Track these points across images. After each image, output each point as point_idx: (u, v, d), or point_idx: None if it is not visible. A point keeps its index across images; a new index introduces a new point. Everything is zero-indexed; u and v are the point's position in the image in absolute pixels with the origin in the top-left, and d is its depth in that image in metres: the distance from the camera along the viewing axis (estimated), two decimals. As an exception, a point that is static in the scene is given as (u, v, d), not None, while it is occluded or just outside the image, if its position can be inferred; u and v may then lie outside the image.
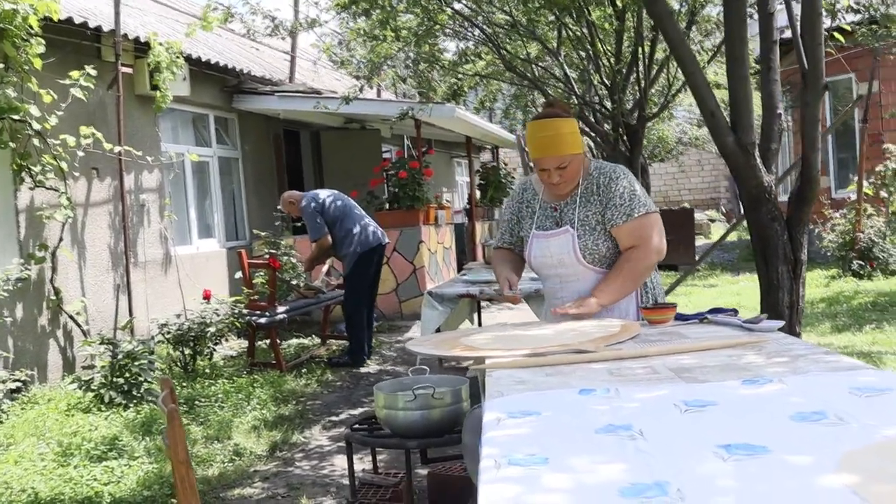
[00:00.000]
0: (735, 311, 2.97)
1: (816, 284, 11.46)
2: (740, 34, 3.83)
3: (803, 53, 3.71)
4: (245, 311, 6.99)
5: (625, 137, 7.40)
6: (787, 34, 4.28)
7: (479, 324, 7.27)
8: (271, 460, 4.95)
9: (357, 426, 3.70)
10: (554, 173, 2.99)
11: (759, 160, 3.96)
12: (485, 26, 7.45)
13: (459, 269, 11.96)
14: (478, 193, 14.02)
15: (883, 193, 12.12)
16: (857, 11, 6.08)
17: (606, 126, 7.75)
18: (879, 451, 1.34)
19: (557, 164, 2.97)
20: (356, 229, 7.30)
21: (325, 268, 8.06)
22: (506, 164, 15.57)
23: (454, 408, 3.41)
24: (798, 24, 3.84)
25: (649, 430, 1.52)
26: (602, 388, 1.89)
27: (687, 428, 1.54)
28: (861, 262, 11.09)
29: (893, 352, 6.65)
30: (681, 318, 2.96)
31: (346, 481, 4.48)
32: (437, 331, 5.51)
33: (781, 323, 2.68)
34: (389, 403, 3.41)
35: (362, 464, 4.53)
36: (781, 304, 4.00)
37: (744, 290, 11.10)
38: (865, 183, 11.61)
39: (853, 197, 11.56)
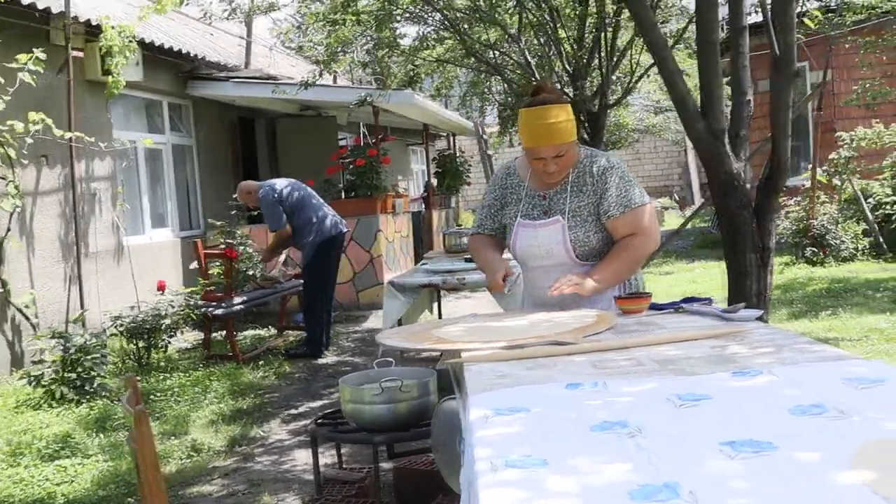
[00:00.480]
0: (710, 300, 2.93)
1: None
2: (711, 19, 3.78)
3: (774, 39, 3.67)
4: (201, 302, 6.83)
5: (586, 124, 7.35)
6: (755, 18, 4.25)
7: (440, 314, 7.19)
8: (230, 456, 4.82)
9: (322, 421, 3.60)
10: (550, 162, 2.88)
11: (728, 147, 3.92)
12: (446, 11, 7.34)
13: (416, 257, 11.87)
14: (434, 181, 13.92)
15: (836, 181, 12.28)
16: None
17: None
18: (890, 446, 1.28)
19: (555, 153, 2.86)
20: (315, 218, 7.17)
21: (281, 258, 7.91)
22: (462, 152, 15.49)
23: (422, 401, 3.33)
24: (769, 8, 3.80)
25: (647, 426, 1.45)
26: (589, 382, 1.81)
27: (685, 424, 1.47)
28: (814, 249, 11.22)
29: (850, 338, 6.71)
30: (655, 307, 2.91)
31: (308, 476, 4.37)
32: (399, 321, 5.42)
33: (760, 312, 2.64)
34: (355, 397, 3.32)
35: (326, 458, 4.42)
36: (749, 292, 3.97)
37: (699, 278, 11.18)
38: (819, 171, 11.75)
39: (807, 185, 11.70)
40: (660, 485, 1.16)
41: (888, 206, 12.01)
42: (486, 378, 1.96)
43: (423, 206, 13.34)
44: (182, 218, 9.60)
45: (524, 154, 3.10)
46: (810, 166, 11.57)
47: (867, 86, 10.57)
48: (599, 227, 2.98)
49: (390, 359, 3.70)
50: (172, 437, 5.05)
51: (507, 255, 3.24)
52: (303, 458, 4.74)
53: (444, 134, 16.84)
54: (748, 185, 4.05)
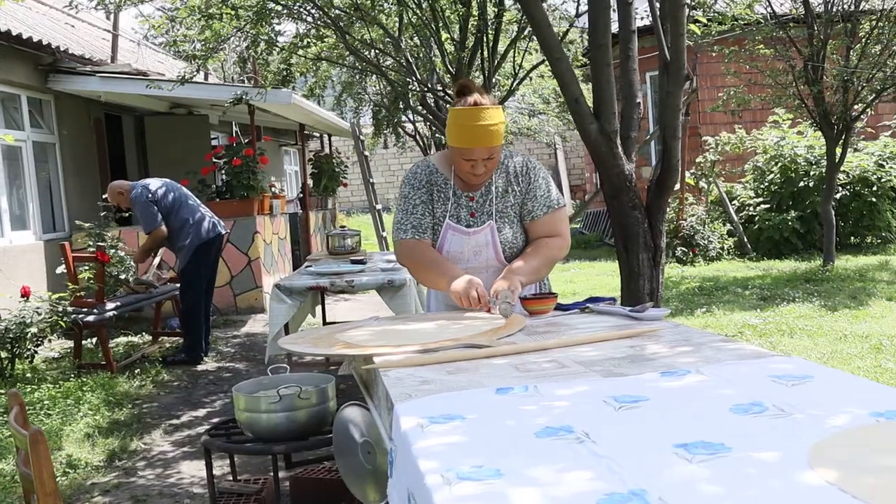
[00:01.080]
0: (613, 300, 2.95)
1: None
2: (604, 22, 3.83)
3: (665, 43, 3.74)
4: (70, 308, 6.45)
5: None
6: (646, 22, 4.32)
7: (324, 317, 7.05)
8: (110, 471, 4.56)
9: (214, 431, 3.43)
10: (480, 164, 2.83)
11: (620, 148, 3.98)
12: (326, 8, 7.20)
13: (294, 260, 11.65)
14: (310, 182, 13.69)
15: (702, 184, 12.80)
16: (692, 8, 6.30)
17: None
18: (840, 442, 1.29)
19: (487, 156, 2.82)
20: (192, 220, 6.91)
21: (155, 261, 7.58)
22: (339, 153, 15.31)
23: (320, 408, 3.23)
24: (659, 13, 3.87)
25: (593, 430, 1.41)
26: (519, 386, 1.77)
27: (631, 427, 1.45)
28: (684, 249, 11.66)
29: (727, 335, 6.98)
30: (561, 308, 2.91)
31: (197, 489, 4.19)
32: (286, 326, 5.27)
33: (667, 311, 2.67)
34: (251, 406, 3.18)
35: (216, 470, 4.23)
36: (642, 292, 4.05)
37: (575, 277, 11.42)
38: (687, 174, 12.21)
39: (676, 187, 12.12)
40: (626, 493, 1.13)
41: (751, 209, 12.62)
42: (408, 384, 1.89)
43: (300, 207, 13.09)
44: (45, 220, 9.06)
45: (441, 154, 3.07)
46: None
47: (731, 93, 11.05)
48: (522, 227, 3.00)
49: (284, 365, 3.58)
50: (44, 454, 4.73)
51: None
52: (189, 470, 4.53)
53: (318, 135, 16.60)
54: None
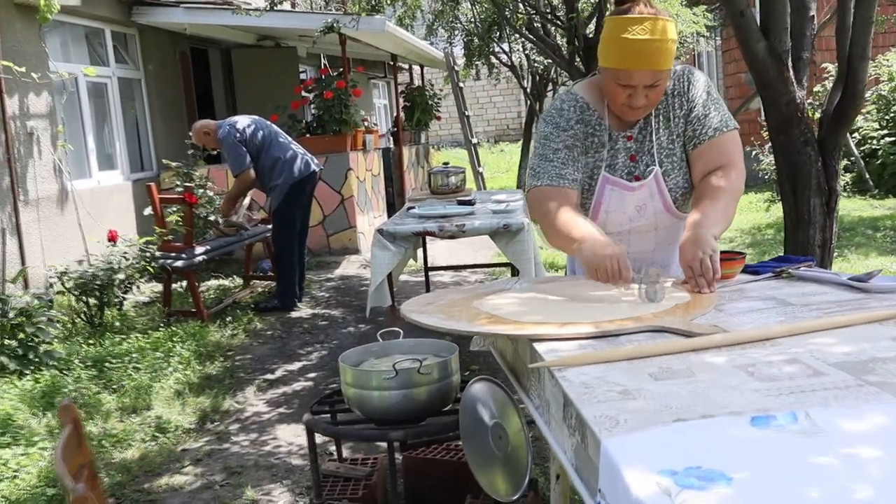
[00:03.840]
0: (812, 260, 2.33)
1: (756, 209, 11.12)
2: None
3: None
4: (158, 253, 6.09)
5: (581, 53, 6.64)
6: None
7: (426, 262, 6.55)
8: (202, 435, 4.18)
9: (317, 407, 2.96)
10: (640, 93, 2.19)
11: (791, 71, 3.30)
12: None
13: (387, 197, 11.18)
14: (402, 116, 13.14)
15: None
16: None
17: (560, 39, 6.97)
18: None
19: (651, 81, 2.17)
20: (284, 158, 6.45)
21: (245, 201, 7.16)
22: (432, 85, 14.68)
23: (443, 384, 2.72)
24: None
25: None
26: (784, 415, 1.19)
27: None
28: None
29: None
30: (749, 270, 2.30)
31: (295, 461, 3.78)
32: (390, 275, 4.77)
33: (904, 280, 2.04)
34: (361, 381, 2.69)
35: (319, 439, 3.79)
36: (813, 243, 3.40)
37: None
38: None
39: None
40: None
41: (874, 142, 11.57)
42: (603, 396, 1.34)
43: (392, 142, 12.57)
44: (133, 159, 8.75)
45: (588, 83, 2.42)
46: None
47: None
48: (688, 162, 2.35)
49: (397, 329, 3.07)
50: (133, 414, 4.39)
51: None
52: (286, 436, 4.12)
53: (406, 67, 15.98)
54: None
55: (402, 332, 2.99)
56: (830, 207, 3.40)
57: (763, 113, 3.40)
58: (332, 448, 3.56)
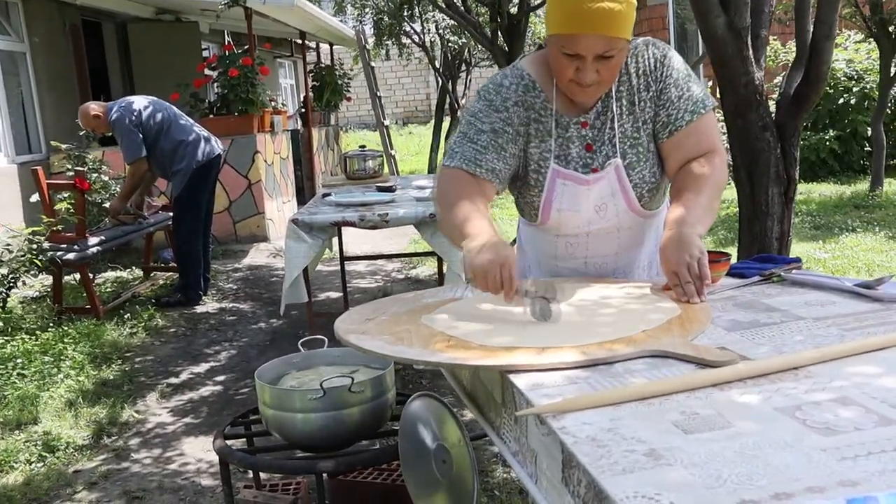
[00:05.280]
0: (799, 261, 2.07)
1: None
2: None
3: None
4: (47, 244, 5.53)
5: (504, 31, 6.32)
6: None
7: (341, 252, 6.14)
8: (97, 452, 3.72)
9: (231, 429, 2.57)
10: (590, 66, 1.82)
11: (750, 50, 3.04)
12: None
13: (296, 181, 10.70)
14: (311, 97, 12.62)
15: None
16: None
17: (481, 15, 6.63)
18: None
19: (603, 51, 1.80)
20: (187, 141, 5.95)
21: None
22: (342, 65, 14.18)
23: (377, 403, 2.38)
24: None
25: None
26: (888, 496, 0.89)
27: None
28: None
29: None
30: (735, 272, 2.02)
31: (205, 480, 3.39)
32: (305, 269, 4.38)
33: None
34: (281, 402, 2.32)
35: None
36: (770, 235, 3.18)
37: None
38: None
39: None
40: None
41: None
42: (624, 460, 1.02)
43: (301, 124, 12.05)
44: (18, 141, 8.05)
45: (536, 56, 2.04)
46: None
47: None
48: (655, 153, 2.02)
49: (321, 336, 2.71)
50: (17, 430, 3.89)
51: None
52: (193, 451, 3.70)
53: (314, 46, 15.43)
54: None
55: (326, 339, 2.62)
56: (789, 197, 3.17)
57: (718, 94, 3.14)
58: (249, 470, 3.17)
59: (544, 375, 1.36)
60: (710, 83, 9.78)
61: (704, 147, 1.96)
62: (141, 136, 5.77)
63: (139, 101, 5.96)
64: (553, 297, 1.64)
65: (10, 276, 5.40)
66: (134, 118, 5.78)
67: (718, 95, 3.16)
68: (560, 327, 1.60)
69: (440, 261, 4.55)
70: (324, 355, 2.62)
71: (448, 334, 1.60)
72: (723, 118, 3.22)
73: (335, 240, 5.97)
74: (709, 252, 1.90)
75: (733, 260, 2.00)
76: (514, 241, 2.35)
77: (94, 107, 5.96)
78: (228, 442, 2.43)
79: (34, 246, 5.48)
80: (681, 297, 1.74)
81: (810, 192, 10.16)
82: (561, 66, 1.86)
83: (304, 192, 11.01)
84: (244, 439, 2.56)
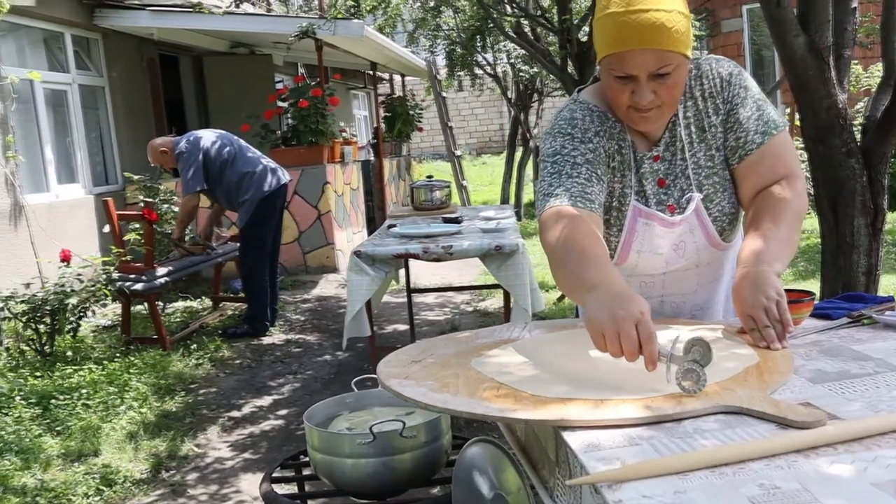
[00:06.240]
0: (892, 300, 1.87)
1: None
2: None
3: None
4: (116, 275, 5.57)
5: (574, 58, 6.19)
6: None
7: (408, 283, 6.04)
8: (154, 487, 3.67)
9: (278, 475, 2.46)
10: (646, 86, 1.65)
11: (833, 71, 2.84)
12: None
13: (367, 211, 10.69)
14: (383, 127, 12.66)
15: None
16: None
17: (551, 44, 6.52)
18: None
19: (656, 67, 1.63)
20: (251, 172, 5.94)
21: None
22: (413, 95, 14.21)
23: (431, 448, 2.25)
24: None
25: None
26: None
27: None
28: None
29: None
30: (819, 313, 1.83)
31: (259, 521, 3.25)
32: (369, 302, 4.28)
33: None
34: (330, 447, 2.21)
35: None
36: (856, 269, 2.95)
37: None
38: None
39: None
40: None
41: None
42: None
43: (372, 154, 12.07)
44: (96, 172, 8.22)
45: (595, 88, 1.87)
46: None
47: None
48: (732, 179, 1.85)
49: (373, 375, 2.59)
50: (78, 462, 3.86)
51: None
52: (250, 488, 3.62)
53: (387, 77, 15.51)
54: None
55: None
56: (877, 228, 2.95)
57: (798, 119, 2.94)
58: None
59: (602, 433, 1.21)
60: (789, 110, 9.46)
61: (780, 172, 1.78)
62: (202, 170, 5.78)
63: (206, 136, 5.99)
64: (708, 361, 1.39)
65: (81, 306, 5.43)
66: (198, 152, 5.80)
67: (798, 121, 2.97)
68: (623, 375, 1.44)
69: (507, 294, 4.40)
70: (378, 395, 2.50)
71: (498, 381, 1.46)
72: (803, 145, 3.02)
73: (402, 271, 5.88)
74: (790, 290, 1.73)
75: (816, 296, 1.82)
76: None
77: (161, 142, 6.02)
78: (277, 485, 2.32)
79: (104, 276, 5.51)
80: (758, 342, 1.56)
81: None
82: (615, 92, 1.71)
83: (375, 222, 11.00)
84: (295, 482, 2.45)
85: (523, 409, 1.30)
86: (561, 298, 6.56)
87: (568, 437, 1.22)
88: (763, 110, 1.80)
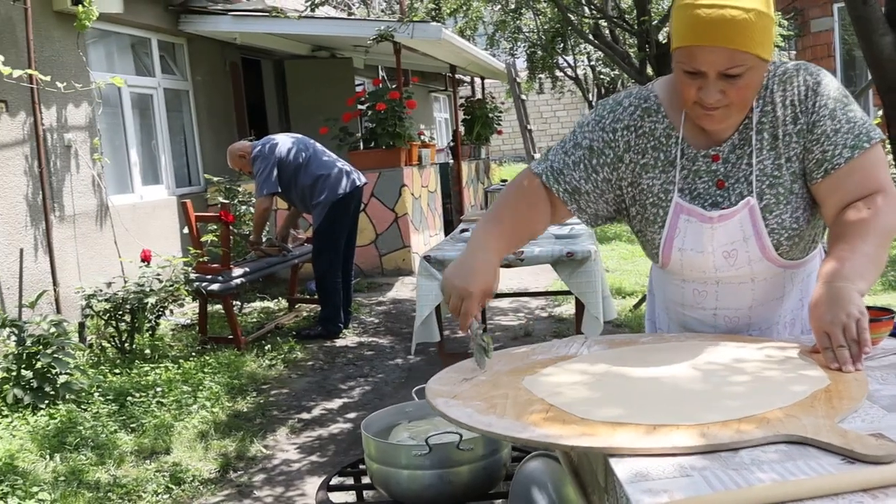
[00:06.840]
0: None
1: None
2: None
3: None
4: (193, 275, 5.67)
5: (653, 60, 6.05)
6: None
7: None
8: (222, 487, 3.70)
9: (337, 479, 2.44)
10: (713, 85, 1.59)
11: (923, 72, 2.69)
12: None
13: (445, 214, 10.69)
14: (462, 130, 12.65)
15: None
16: None
17: (630, 45, 6.39)
18: None
19: (725, 67, 1.56)
20: (326, 175, 5.98)
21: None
22: (493, 98, 14.18)
23: (489, 462, 2.19)
24: None
25: None
26: None
27: None
28: None
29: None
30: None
31: (322, 526, 3.24)
32: (438, 307, 4.25)
33: None
34: (387, 457, 2.17)
35: (344, 497, 3.28)
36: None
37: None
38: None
39: None
40: None
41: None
42: None
43: (450, 157, 12.08)
44: (179, 173, 8.41)
45: (668, 77, 1.81)
46: None
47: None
48: (806, 197, 1.75)
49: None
50: (150, 459, 3.93)
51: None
52: (314, 490, 3.60)
53: (468, 80, 15.51)
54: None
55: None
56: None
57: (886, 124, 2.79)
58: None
59: (652, 461, 1.14)
60: (881, 112, 9.08)
61: (870, 187, 1.66)
62: (276, 173, 5.84)
63: (282, 140, 6.05)
64: (484, 347, 1.69)
65: (159, 305, 5.55)
66: (272, 156, 5.86)
67: (887, 126, 2.81)
68: (681, 396, 1.36)
69: (579, 302, 4.31)
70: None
71: (548, 402, 1.40)
72: (890, 150, 2.86)
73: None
74: (869, 308, 1.62)
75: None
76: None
77: (240, 147, 6.12)
78: (335, 493, 2.30)
79: (182, 276, 5.62)
80: (830, 363, 1.47)
81: None
82: (683, 85, 1.65)
83: (453, 225, 10.99)
84: (354, 490, 2.43)
85: (569, 434, 1.24)
86: (637, 305, 6.42)
87: (615, 464, 1.15)
88: (853, 122, 1.67)
